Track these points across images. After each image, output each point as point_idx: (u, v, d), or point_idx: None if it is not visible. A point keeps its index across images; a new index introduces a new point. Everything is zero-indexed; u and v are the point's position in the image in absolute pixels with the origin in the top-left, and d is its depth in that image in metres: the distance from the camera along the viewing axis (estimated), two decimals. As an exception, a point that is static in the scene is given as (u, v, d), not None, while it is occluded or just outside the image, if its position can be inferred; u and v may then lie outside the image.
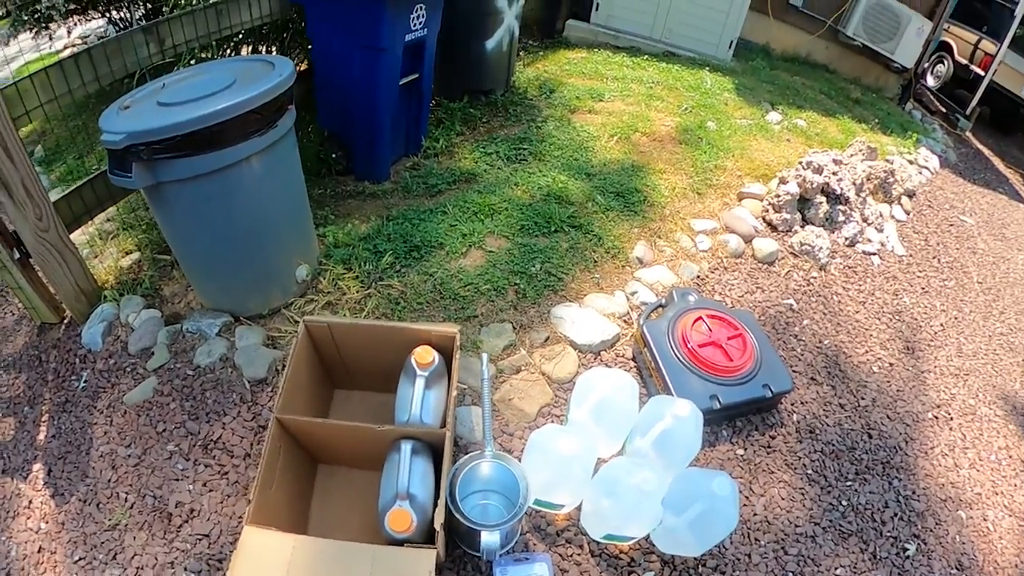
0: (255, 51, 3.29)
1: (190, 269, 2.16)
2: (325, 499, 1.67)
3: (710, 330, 2.07)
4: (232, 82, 1.80)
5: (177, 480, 1.74)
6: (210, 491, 1.70)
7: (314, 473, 1.71)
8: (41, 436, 2.03)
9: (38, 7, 4.13)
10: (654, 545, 1.65)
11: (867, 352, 2.52)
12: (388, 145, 2.90)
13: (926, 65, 6.99)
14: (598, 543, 1.64)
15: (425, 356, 1.53)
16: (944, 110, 6.70)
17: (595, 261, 2.47)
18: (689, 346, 2.01)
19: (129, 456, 1.83)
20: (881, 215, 3.40)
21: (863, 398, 2.32)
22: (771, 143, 3.73)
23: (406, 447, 1.41)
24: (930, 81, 7.35)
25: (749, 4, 5.15)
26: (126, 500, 1.75)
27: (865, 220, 3.28)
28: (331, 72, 2.78)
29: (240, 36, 3.09)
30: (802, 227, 2.99)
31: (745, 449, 2.00)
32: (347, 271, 2.29)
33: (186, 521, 1.66)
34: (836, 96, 5.31)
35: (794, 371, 2.30)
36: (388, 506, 1.34)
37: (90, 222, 2.40)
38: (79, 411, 2.02)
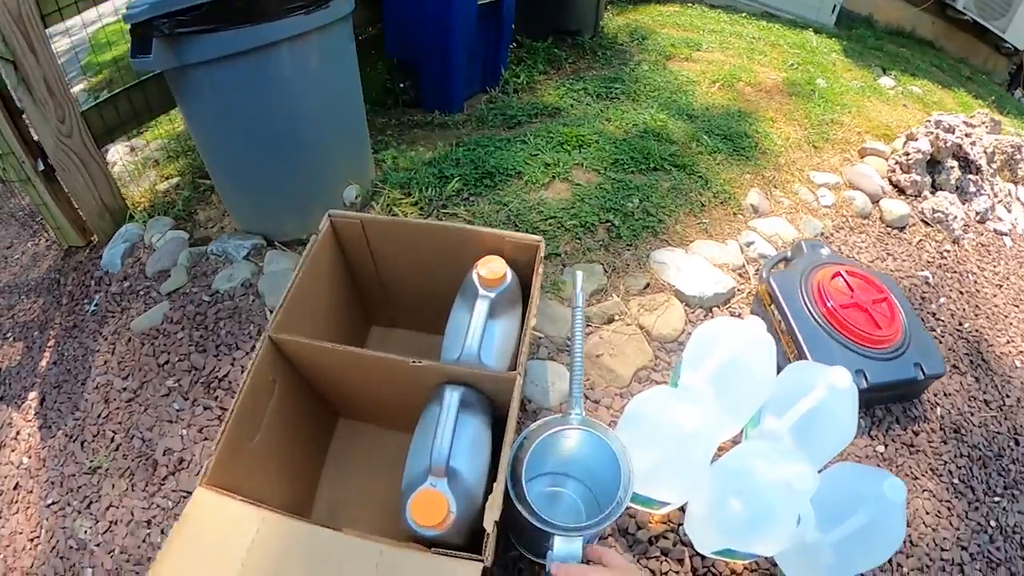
0: None
1: (220, 182, 1.83)
2: (341, 468, 1.25)
3: (852, 289, 1.55)
4: None
5: (171, 422, 1.39)
6: (204, 439, 1.34)
7: (330, 429, 1.29)
8: (43, 363, 1.75)
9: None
10: (775, 567, 1.17)
11: (1009, 343, 1.98)
12: (463, 75, 2.50)
13: None
14: (704, 560, 1.17)
15: (495, 270, 1.06)
16: None
17: (702, 205, 1.99)
18: (829, 305, 1.49)
19: (124, 390, 1.50)
20: (1010, 194, 2.80)
21: (1008, 395, 1.78)
22: (887, 106, 3.14)
23: (452, 396, 0.94)
24: None
25: None
26: (112, 440, 1.41)
27: (995, 195, 2.70)
28: (400, -5, 2.39)
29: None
30: (932, 193, 2.46)
31: (886, 446, 1.49)
32: (405, 196, 1.89)
33: (172, 473, 1.30)
34: (948, 69, 4.63)
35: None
36: (415, 484, 0.88)
37: (137, 153, 2.14)
38: (84, 337, 1.72)
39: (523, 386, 1.14)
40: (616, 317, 1.53)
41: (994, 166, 2.77)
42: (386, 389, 1.08)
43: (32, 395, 1.66)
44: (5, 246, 2.51)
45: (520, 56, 3.10)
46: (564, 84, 2.79)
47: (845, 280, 1.57)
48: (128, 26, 1.34)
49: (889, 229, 2.24)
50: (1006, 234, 2.55)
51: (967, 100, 3.85)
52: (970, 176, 2.56)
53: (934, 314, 1.95)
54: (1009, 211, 2.74)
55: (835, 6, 4.67)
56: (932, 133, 2.50)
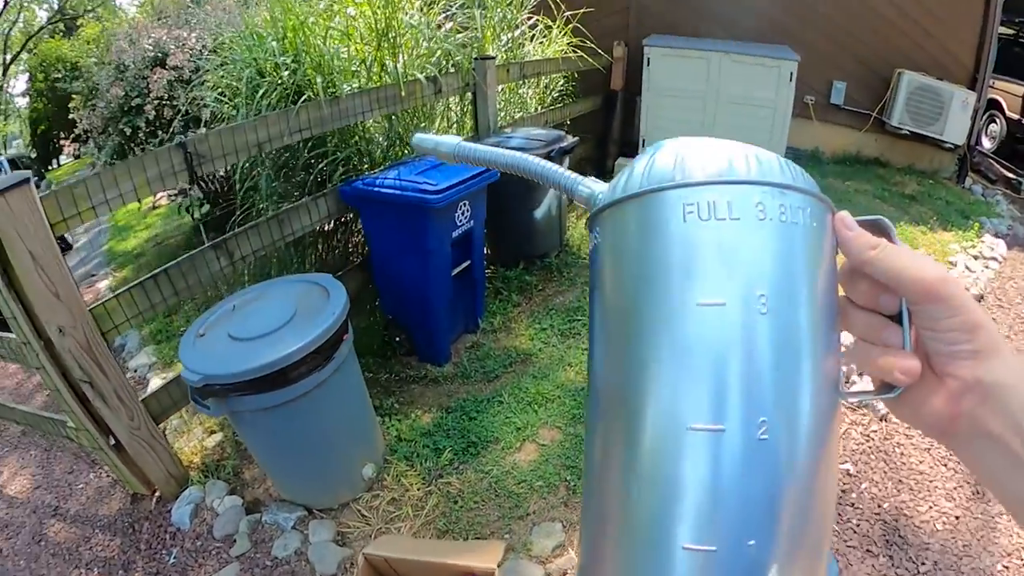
0: (314, 242, 3.67)
1: (265, 469, 2.43)
2: None
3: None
4: (292, 314, 2.10)
5: None
6: None
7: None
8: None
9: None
10: None
11: (931, 508, 2.41)
12: (446, 331, 3.19)
13: (979, 127, 6.74)
14: None
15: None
16: (1007, 175, 6.46)
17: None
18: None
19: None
20: None
21: (923, 564, 2.19)
22: None
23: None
24: (986, 143, 7.04)
25: (792, 112, 5.32)
26: None
27: None
28: (386, 266, 3.14)
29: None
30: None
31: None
32: (409, 467, 2.50)
33: None
34: (890, 198, 5.24)
35: (848, 545, 2.25)
36: None
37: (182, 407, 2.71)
38: (169, 586, 2.23)
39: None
40: (569, 572, 2.09)
41: None
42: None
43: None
44: (66, 471, 3.05)
45: (497, 287, 3.83)
46: (534, 322, 3.49)
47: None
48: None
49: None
50: None
51: (908, 233, 4.47)
52: None
53: (852, 504, 2.40)
54: None
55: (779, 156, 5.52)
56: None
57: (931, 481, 2.54)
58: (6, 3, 19.52)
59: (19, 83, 25.07)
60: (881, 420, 2.79)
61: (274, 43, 3.36)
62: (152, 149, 5.20)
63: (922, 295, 0.41)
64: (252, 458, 2.66)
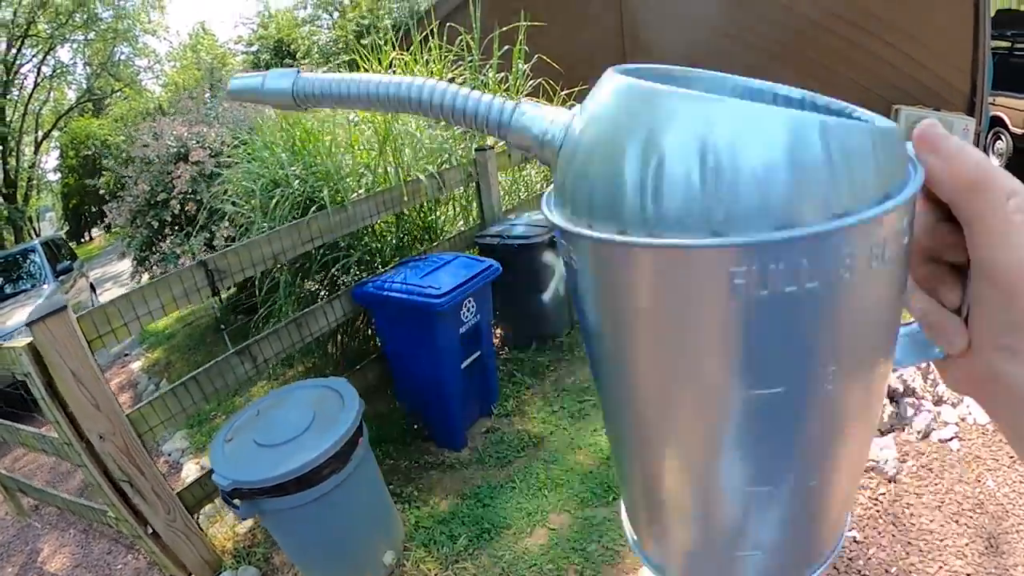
0: (333, 334, 3.87)
1: (292, 560, 2.59)
2: None
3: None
4: (311, 420, 2.30)
5: None
6: None
7: None
8: None
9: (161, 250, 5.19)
10: None
11: (940, 568, 2.41)
12: (461, 419, 3.34)
13: (985, 146, 6.67)
14: None
15: None
16: None
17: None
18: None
19: None
20: None
21: None
22: None
23: None
24: (994, 161, 7.02)
25: None
26: None
27: (939, 400, 3.10)
28: (400, 361, 3.33)
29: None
30: None
31: None
32: (427, 553, 2.63)
33: None
34: None
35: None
36: None
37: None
38: None
39: None
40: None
41: (933, 373, 3.07)
42: None
43: None
44: (105, 551, 3.25)
45: (511, 370, 3.98)
46: (546, 405, 3.62)
47: None
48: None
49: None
50: (952, 438, 2.89)
51: None
52: (906, 400, 2.98)
53: (859, 572, 2.43)
54: (956, 405, 3.06)
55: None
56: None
57: (941, 540, 2.52)
58: (37, 83, 20.55)
59: (50, 159, 26.30)
60: (890, 482, 2.77)
61: (284, 154, 3.63)
62: (177, 238, 5.54)
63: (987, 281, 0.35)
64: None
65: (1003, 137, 7.07)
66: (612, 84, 0.35)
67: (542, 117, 0.39)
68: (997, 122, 6.96)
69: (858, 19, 5.80)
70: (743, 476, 0.37)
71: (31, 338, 2.17)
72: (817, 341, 0.32)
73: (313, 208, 3.31)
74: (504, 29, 4.94)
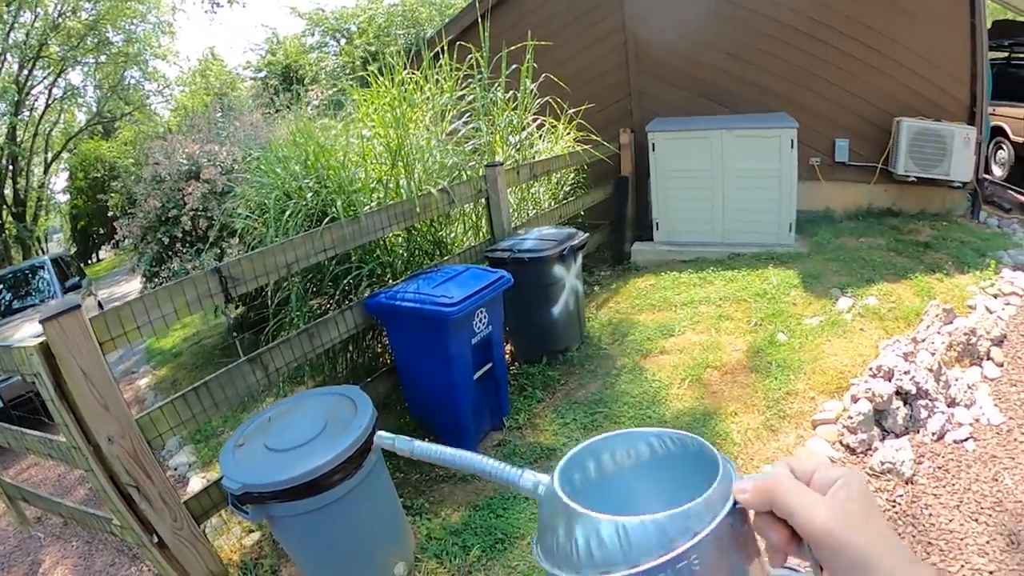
0: (344, 347, 3.87)
1: (302, 568, 2.55)
2: None
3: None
4: (324, 426, 2.28)
5: None
6: None
7: None
8: None
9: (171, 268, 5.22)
10: None
11: (963, 566, 2.37)
12: (472, 431, 3.32)
13: (987, 156, 6.63)
14: None
15: None
16: (1021, 200, 6.39)
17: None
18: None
19: None
20: (969, 387, 3.19)
21: None
22: (844, 339, 3.78)
23: None
24: (996, 171, 6.96)
25: (799, 176, 5.43)
26: None
27: (952, 402, 3.08)
28: (411, 372, 3.32)
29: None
30: (882, 441, 2.84)
31: None
32: (439, 565, 2.60)
33: None
34: (905, 249, 5.22)
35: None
36: None
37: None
38: None
39: None
40: None
41: (944, 376, 3.12)
42: None
43: None
44: (107, 563, 3.22)
45: (521, 384, 3.96)
46: (558, 417, 3.58)
47: None
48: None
49: (839, 497, 2.77)
50: (967, 439, 2.85)
51: (925, 284, 4.41)
52: (920, 402, 2.93)
53: None
54: (971, 405, 3.04)
55: (790, 224, 5.53)
56: (869, 390, 2.91)
57: (962, 539, 2.50)
58: (48, 104, 20.80)
59: (59, 180, 26.52)
60: (907, 484, 2.72)
61: (297, 167, 3.66)
62: (188, 254, 5.57)
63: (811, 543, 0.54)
64: (288, 557, 2.77)
65: (1004, 146, 7.11)
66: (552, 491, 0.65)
67: (535, 479, 0.72)
68: (998, 132, 7.02)
69: (857, 34, 5.87)
70: None
71: (43, 338, 2.16)
72: None
73: (325, 221, 3.32)
74: (512, 48, 5.02)
